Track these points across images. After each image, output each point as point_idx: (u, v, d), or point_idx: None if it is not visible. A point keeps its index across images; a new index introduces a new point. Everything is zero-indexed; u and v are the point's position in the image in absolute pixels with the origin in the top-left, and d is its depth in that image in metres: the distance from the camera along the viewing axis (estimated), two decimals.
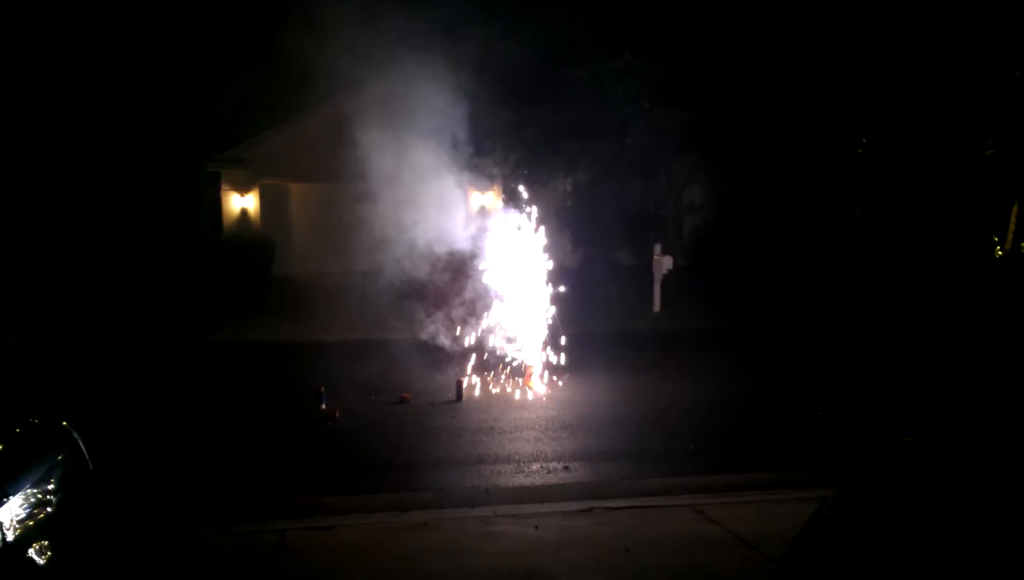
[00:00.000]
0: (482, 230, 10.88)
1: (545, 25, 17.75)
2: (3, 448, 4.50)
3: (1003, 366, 11.19)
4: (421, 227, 10.72)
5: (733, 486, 6.82)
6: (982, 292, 15.70)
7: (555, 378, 10.43)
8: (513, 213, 10.74)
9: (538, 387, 10.09)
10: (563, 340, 10.76)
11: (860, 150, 20.67)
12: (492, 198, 20.25)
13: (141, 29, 18.56)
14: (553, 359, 10.57)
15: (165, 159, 20.81)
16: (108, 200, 19.36)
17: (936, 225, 18.48)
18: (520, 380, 10.32)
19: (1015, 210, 17.07)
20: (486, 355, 10.66)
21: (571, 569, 5.17)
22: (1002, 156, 16.88)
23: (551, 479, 7.14)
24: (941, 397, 9.50)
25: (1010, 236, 17.11)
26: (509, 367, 10.55)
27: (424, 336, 11.32)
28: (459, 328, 10.93)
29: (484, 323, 10.61)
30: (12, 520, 4.08)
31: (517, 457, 7.67)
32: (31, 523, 4.20)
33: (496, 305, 10.56)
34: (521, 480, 7.12)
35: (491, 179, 17.59)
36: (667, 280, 16.69)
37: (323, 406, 9.06)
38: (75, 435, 5.02)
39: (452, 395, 9.72)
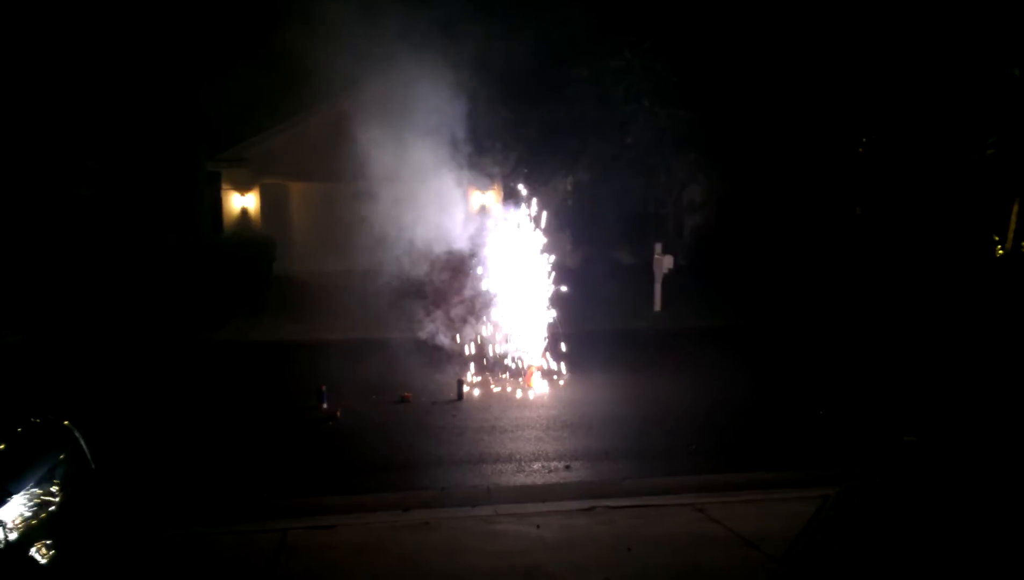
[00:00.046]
0: (482, 229, 10.89)
1: (545, 24, 17.73)
2: (5, 447, 4.51)
3: (1004, 365, 11.19)
4: (421, 226, 10.72)
5: (734, 485, 6.83)
6: (983, 291, 15.70)
7: (556, 377, 10.43)
8: (513, 212, 10.75)
9: (539, 386, 10.09)
10: (564, 339, 10.77)
11: (860, 149, 20.67)
12: (492, 197, 20.24)
13: (141, 28, 18.56)
14: (554, 358, 10.58)
15: (165, 158, 20.81)
16: (108, 199, 19.36)
17: (937, 224, 18.48)
18: (521, 379, 10.32)
19: (1015, 209, 17.07)
20: (487, 354, 10.66)
21: (572, 568, 5.17)
22: (1002, 155, 16.88)
23: (552, 478, 7.14)
24: (942, 396, 9.50)
25: (1011, 235, 17.11)
26: (510, 366, 10.55)
27: (425, 335, 11.33)
28: (460, 327, 10.93)
29: (485, 322, 10.61)
30: (14, 519, 4.09)
31: (518, 456, 7.67)
32: (33, 522, 4.21)
33: (496, 304, 10.56)
34: (522, 479, 7.13)
35: (491, 178, 17.58)
36: (668, 279, 16.68)
37: (324, 405, 9.06)
38: (76, 434, 5.02)
39: (453, 394, 9.73)
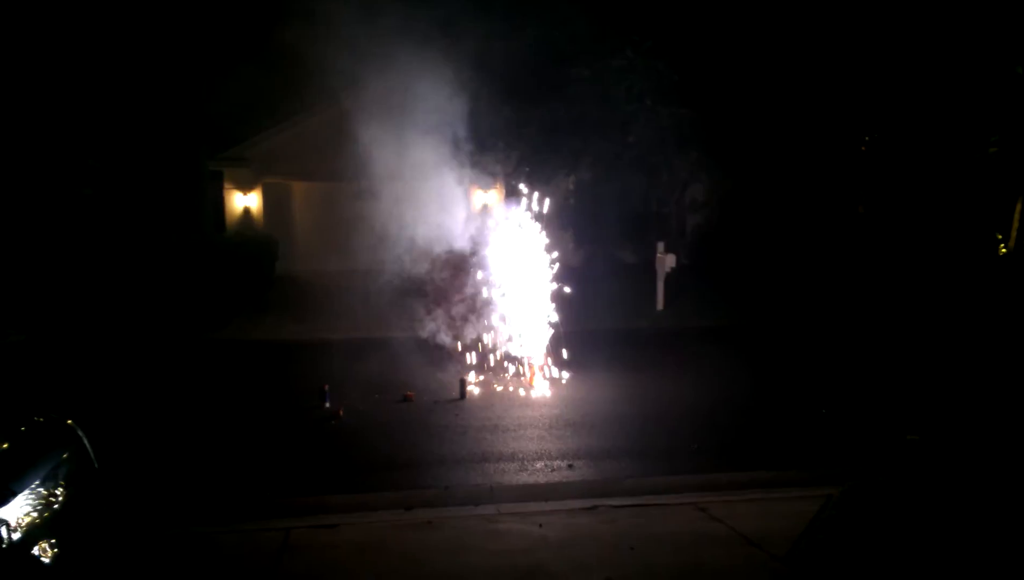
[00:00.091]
0: (484, 228, 10.89)
1: (548, 23, 17.73)
2: (8, 446, 4.51)
3: (1007, 364, 11.18)
4: (423, 225, 10.72)
5: (736, 484, 6.82)
6: (986, 290, 15.68)
7: (558, 376, 10.43)
8: (515, 211, 10.75)
9: (541, 385, 10.09)
10: (566, 338, 10.76)
11: (863, 148, 20.64)
12: (494, 196, 20.24)
13: (143, 28, 18.57)
14: (556, 357, 10.58)
15: (167, 158, 20.83)
16: (111, 199, 19.38)
17: (939, 223, 18.45)
18: (524, 378, 10.32)
19: (1019, 208, 17.04)
20: (489, 353, 10.66)
21: (575, 567, 5.17)
22: (1005, 154, 16.85)
23: (555, 477, 7.14)
24: (945, 395, 9.49)
25: (1014, 234, 17.08)
26: (512, 365, 10.55)
27: (427, 334, 11.33)
28: (462, 326, 10.93)
29: (487, 321, 10.62)
30: (18, 518, 4.09)
31: (521, 455, 7.68)
32: (37, 521, 4.21)
33: (499, 303, 10.56)
34: (525, 478, 7.13)
35: (493, 177, 17.60)
36: (670, 278, 16.68)
37: (327, 404, 9.07)
38: (80, 433, 5.03)
39: (455, 393, 9.73)
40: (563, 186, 21.61)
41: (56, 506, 4.40)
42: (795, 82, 18.90)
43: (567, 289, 10.90)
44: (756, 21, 18.84)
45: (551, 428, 8.56)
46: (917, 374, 10.73)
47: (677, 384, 10.50)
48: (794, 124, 19.39)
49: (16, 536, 4.04)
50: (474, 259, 10.76)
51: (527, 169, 19.14)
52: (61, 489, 4.51)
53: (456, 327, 11.02)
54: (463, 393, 9.69)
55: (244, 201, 22.86)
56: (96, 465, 5.06)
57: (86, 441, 5.04)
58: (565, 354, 10.67)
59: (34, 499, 4.27)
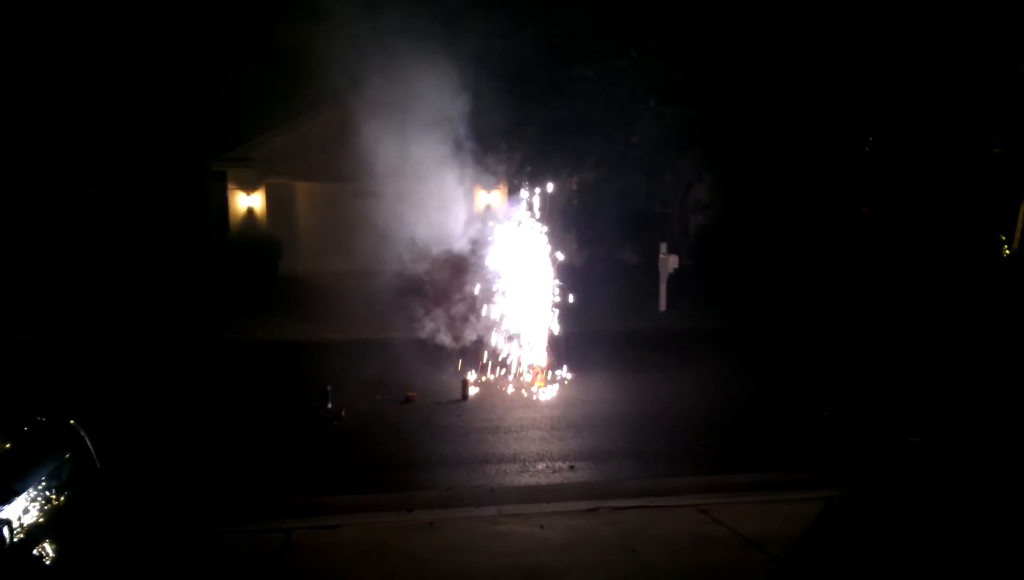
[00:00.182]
0: (487, 229, 10.89)
1: (551, 23, 17.74)
2: (11, 447, 4.53)
3: (1010, 366, 11.15)
4: (426, 225, 10.74)
5: (738, 486, 6.81)
6: (989, 291, 15.64)
7: (560, 377, 10.43)
8: (518, 211, 10.75)
9: (543, 387, 10.09)
10: (568, 339, 10.76)
11: (867, 148, 20.61)
12: (498, 197, 20.25)
13: (148, 29, 18.62)
14: (558, 358, 10.57)
15: (171, 158, 20.90)
16: (115, 199, 19.43)
17: (943, 224, 18.41)
18: (526, 379, 10.32)
19: (1022, 209, 17.00)
20: (491, 354, 10.66)
21: (576, 569, 5.17)
22: (1009, 154, 16.81)
23: (556, 479, 7.14)
24: (948, 397, 9.47)
25: (1017, 235, 17.04)
26: (514, 366, 10.55)
27: (429, 335, 11.33)
28: (464, 327, 10.93)
29: (489, 322, 10.61)
30: (20, 518, 4.10)
31: (522, 456, 7.68)
32: (39, 521, 4.22)
33: (501, 304, 10.56)
34: (527, 479, 7.13)
35: (497, 178, 17.60)
36: (673, 279, 16.66)
37: (329, 405, 9.08)
38: (82, 433, 5.04)
39: (457, 394, 9.73)
40: (566, 186, 21.60)
41: (58, 506, 4.41)
42: (799, 82, 18.88)
43: (569, 290, 10.89)
44: (760, 22, 18.83)
45: (553, 429, 8.55)
46: (920, 376, 10.71)
47: (679, 385, 10.49)
48: (798, 124, 19.37)
49: (18, 536, 4.05)
50: (476, 259, 10.76)
51: (530, 169, 19.13)
52: (63, 489, 4.52)
53: (458, 328, 11.02)
54: (465, 394, 9.69)
55: (248, 201, 22.90)
56: (98, 465, 5.07)
57: (88, 441, 5.05)
58: (567, 355, 10.66)
59: (36, 499, 4.28)
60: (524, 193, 10.96)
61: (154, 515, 6.00)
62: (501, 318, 10.57)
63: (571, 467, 7.40)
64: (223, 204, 22.90)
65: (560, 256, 10.97)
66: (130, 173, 19.94)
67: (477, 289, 10.68)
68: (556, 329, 10.67)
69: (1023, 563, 3.43)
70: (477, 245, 10.83)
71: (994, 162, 17.13)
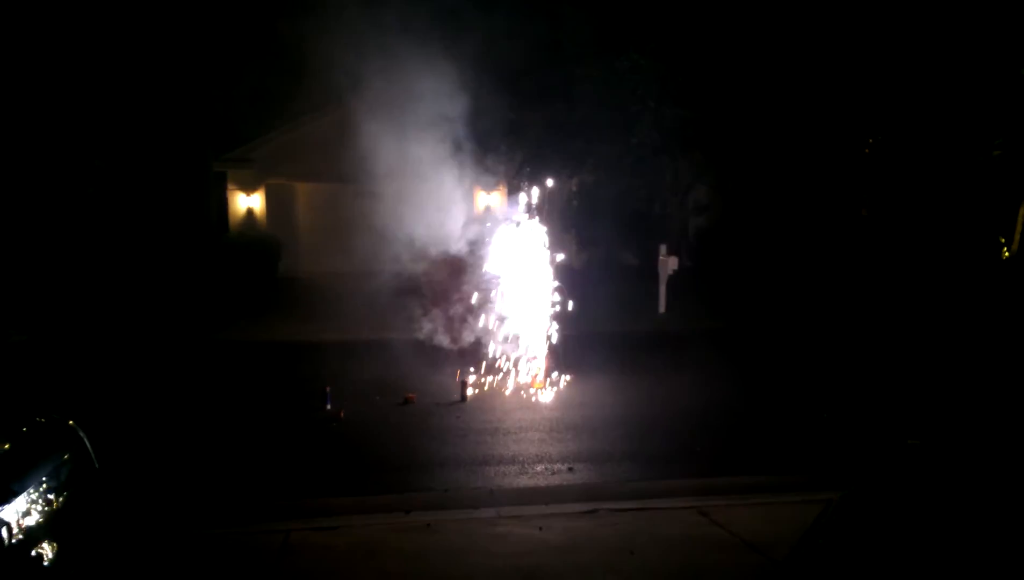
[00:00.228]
0: (488, 230, 10.89)
1: (551, 25, 17.75)
2: (10, 447, 4.53)
3: (1009, 368, 11.15)
4: (425, 226, 10.73)
5: (737, 488, 6.81)
6: (989, 293, 15.65)
7: (560, 379, 10.43)
8: (518, 213, 10.75)
9: (543, 388, 10.09)
10: (568, 341, 10.75)
11: (866, 150, 20.62)
12: (498, 198, 20.27)
13: (148, 29, 18.63)
14: (558, 360, 10.57)
15: (172, 158, 20.90)
16: (115, 199, 19.44)
17: (943, 226, 18.42)
18: (525, 381, 10.32)
19: (1022, 211, 17.01)
20: (491, 356, 10.66)
21: (575, 570, 5.17)
22: (1009, 157, 16.82)
23: (555, 480, 7.14)
24: (947, 400, 9.47)
25: (1017, 237, 17.05)
26: (514, 368, 10.54)
27: (428, 336, 11.33)
28: (464, 328, 10.94)
29: (489, 324, 10.62)
30: (19, 519, 4.10)
31: (521, 458, 7.68)
32: (37, 522, 4.22)
33: (501, 305, 10.56)
34: (525, 481, 7.13)
35: (496, 179, 17.63)
36: (672, 281, 16.67)
37: (328, 406, 9.07)
38: (81, 434, 5.04)
39: (456, 396, 9.73)
40: (566, 187, 21.62)
41: (57, 507, 4.41)
42: (799, 85, 18.89)
43: (569, 292, 10.89)
44: (760, 24, 18.84)
45: (552, 431, 8.55)
46: (919, 378, 10.71)
47: (678, 387, 10.49)
48: (797, 127, 19.38)
49: (17, 537, 4.05)
50: (476, 261, 10.76)
51: (530, 170, 19.14)
52: (62, 490, 4.52)
53: (457, 329, 11.02)
54: (464, 395, 9.69)
55: (248, 202, 22.91)
56: (97, 466, 5.07)
57: (87, 442, 5.05)
58: (567, 357, 10.66)
59: (35, 500, 4.28)
60: (524, 194, 10.97)
61: (153, 516, 6.00)
62: (500, 320, 10.57)
63: (570, 469, 7.40)
64: (223, 204, 22.93)
65: (560, 257, 10.97)
66: (130, 173, 19.95)
67: (476, 290, 10.68)
68: (555, 331, 10.67)
69: (1022, 567, 3.43)
70: (476, 246, 10.83)
71: (994, 164, 17.13)
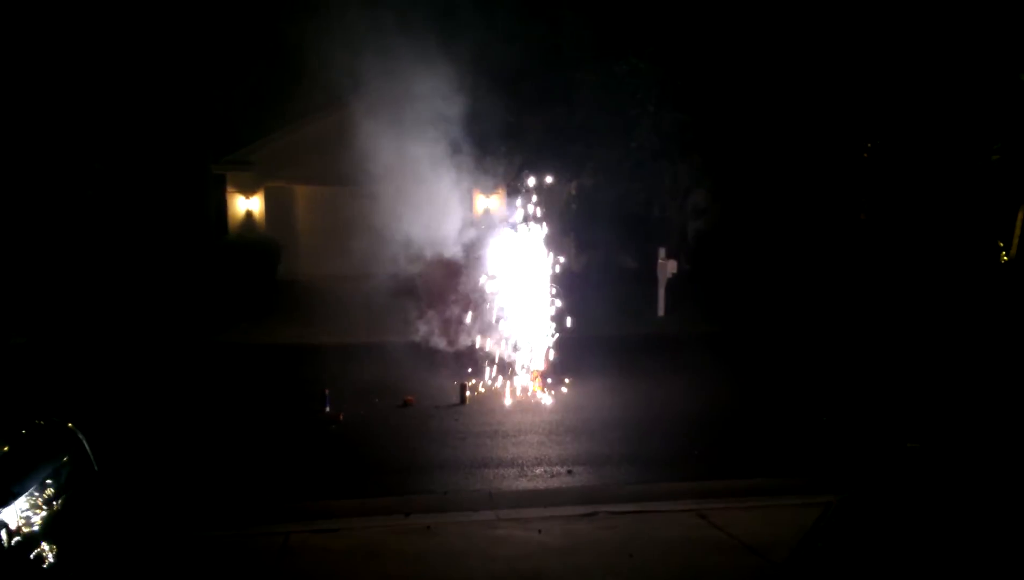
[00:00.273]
0: (487, 233, 10.90)
1: (552, 29, 17.79)
2: (9, 450, 4.52)
3: (1008, 372, 11.16)
4: (425, 229, 10.73)
5: (737, 491, 6.81)
6: (987, 297, 15.66)
7: (559, 382, 10.43)
8: (518, 216, 10.76)
9: (542, 391, 10.09)
10: (567, 344, 10.75)
11: (865, 155, 20.65)
12: (497, 202, 20.25)
13: (147, 33, 18.65)
14: (557, 363, 10.57)
15: (171, 161, 20.93)
16: (114, 202, 19.45)
17: (941, 230, 18.45)
18: (524, 384, 10.31)
19: (1021, 216, 17.03)
20: (490, 359, 10.66)
21: (574, 573, 5.17)
22: (1008, 161, 16.85)
23: (554, 483, 7.15)
24: (946, 403, 9.47)
25: (1015, 242, 17.08)
26: (513, 371, 10.54)
27: (428, 339, 11.33)
28: (463, 331, 10.94)
29: (488, 327, 10.62)
30: (18, 521, 4.10)
31: (520, 461, 7.67)
32: (37, 524, 4.22)
33: (500, 309, 10.56)
34: (524, 484, 7.13)
35: (496, 182, 17.63)
36: (671, 284, 16.68)
37: (327, 409, 9.07)
38: (80, 437, 5.03)
39: (455, 399, 9.73)
40: (565, 191, 21.64)
41: (56, 509, 4.41)
42: (798, 89, 18.93)
43: (568, 295, 10.89)
44: (759, 28, 18.88)
45: (551, 434, 8.55)
46: (918, 381, 10.72)
47: (677, 390, 10.49)
48: (796, 131, 19.42)
49: (16, 539, 4.04)
50: (475, 264, 10.76)
51: (529, 174, 19.14)
52: (61, 492, 4.51)
53: (456, 332, 11.01)
54: (463, 398, 9.69)
55: (247, 204, 22.90)
56: (96, 468, 5.06)
57: (86, 444, 5.04)
58: (566, 360, 10.66)
59: (34, 502, 4.27)
60: (523, 198, 10.97)
61: (152, 518, 6.00)
62: (500, 322, 10.57)
63: (569, 471, 7.40)
64: (222, 207, 22.91)
65: (559, 260, 10.98)
66: (130, 176, 19.96)
67: (476, 293, 10.68)
68: (555, 334, 10.67)
69: (1022, 570, 3.43)
70: (475, 249, 10.83)
71: (992, 169, 17.17)
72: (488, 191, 17.74)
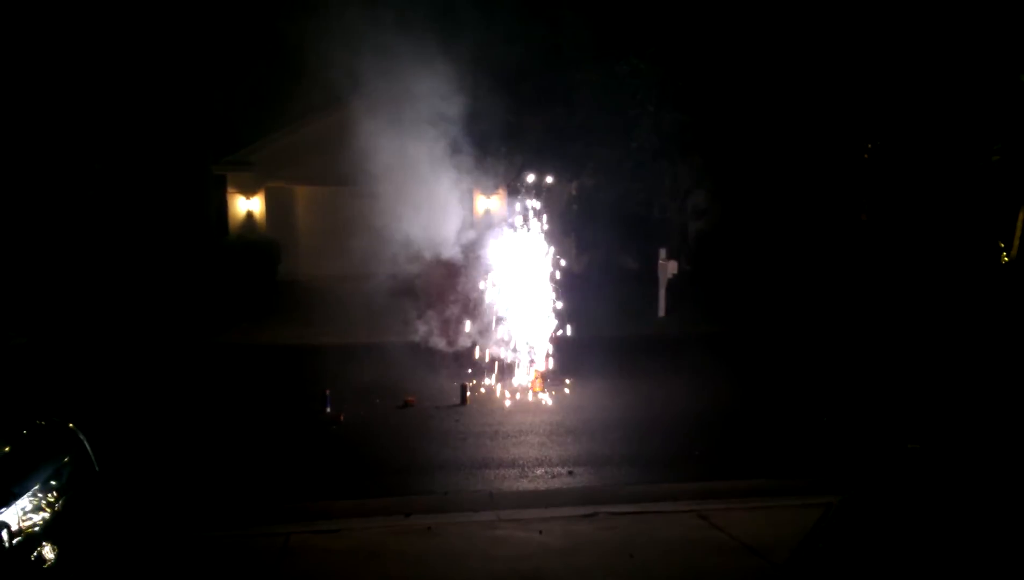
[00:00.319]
0: (487, 234, 10.90)
1: (552, 29, 17.79)
2: (10, 450, 4.52)
3: (1009, 372, 11.16)
4: (426, 230, 10.73)
5: (737, 492, 6.81)
6: (988, 298, 15.66)
7: (560, 383, 10.43)
8: (518, 217, 10.76)
9: (543, 392, 10.08)
10: (568, 345, 10.75)
11: (865, 156, 20.65)
12: (497, 202, 20.26)
13: (148, 33, 18.66)
14: (558, 364, 10.57)
15: (171, 161, 20.94)
16: (115, 202, 19.46)
17: (942, 231, 18.45)
18: (525, 384, 10.31)
19: (1021, 216, 17.03)
20: (491, 359, 10.66)
21: (575, 574, 5.17)
22: (1008, 162, 16.85)
23: (555, 484, 7.14)
24: (947, 403, 9.47)
25: (1016, 242, 17.08)
26: (514, 371, 10.55)
27: (428, 340, 11.33)
28: (463, 332, 10.93)
29: (489, 327, 10.62)
30: (19, 521, 4.10)
31: (521, 461, 7.67)
32: (38, 524, 4.22)
33: (501, 309, 10.56)
34: (525, 485, 7.13)
35: (497, 183, 17.64)
36: (672, 285, 16.68)
37: (328, 409, 9.07)
38: (81, 437, 5.04)
39: (456, 399, 9.73)
40: (566, 191, 21.64)
41: (57, 509, 4.41)
42: (798, 89, 18.93)
43: (568, 295, 10.89)
44: (760, 28, 18.88)
45: (552, 434, 8.55)
46: (919, 382, 10.72)
47: (678, 391, 10.49)
48: (797, 131, 19.42)
49: (17, 539, 4.05)
50: (476, 265, 10.76)
51: (530, 175, 19.14)
52: (62, 492, 4.52)
53: (457, 332, 11.01)
54: (464, 399, 9.69)
55: (247, 205, 22.91)
56: (97, 468, 5.07)
57: (87, 445, 5.05)
58: (567, 360, 10.66)
59: (35, 502, 4.27)
60: (523, 198, 10.97)
61: (153, 518, 6.00)
62: (500, 323, 10.57)
63: (570, 472, 7.40)
64: (222, 207, 22.92)
65: (560, 261, 10.98)
66: (130, 176, 19.97)
67: (476, 294, 10.68)
68: (555, 334, 10.67)
69: (1022, 570, 3.43)
70: (476, 250, 10.84)
71: (993, 170, 17.17)
72: (488, 191, 17.76)
